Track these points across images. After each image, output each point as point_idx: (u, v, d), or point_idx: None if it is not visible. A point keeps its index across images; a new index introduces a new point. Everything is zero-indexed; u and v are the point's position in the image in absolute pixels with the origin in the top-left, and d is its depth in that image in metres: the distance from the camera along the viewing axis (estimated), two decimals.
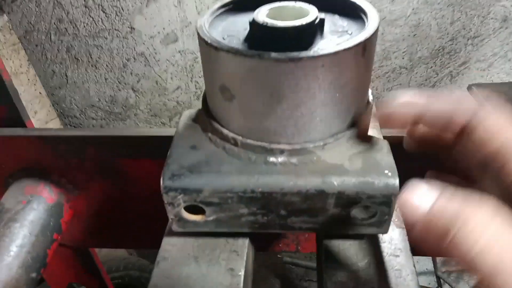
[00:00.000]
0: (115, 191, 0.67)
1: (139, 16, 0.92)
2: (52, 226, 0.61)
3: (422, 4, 0.94)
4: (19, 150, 0.60)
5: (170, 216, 0.31)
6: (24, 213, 0.56)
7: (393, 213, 0.31)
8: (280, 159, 0.30)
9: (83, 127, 1.10)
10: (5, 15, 0.90)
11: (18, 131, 0.60)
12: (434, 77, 1.05)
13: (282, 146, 0.29)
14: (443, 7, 0.95)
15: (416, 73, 1.04)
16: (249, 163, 0.30)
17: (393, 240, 0.34)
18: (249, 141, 0.30)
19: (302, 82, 0.27)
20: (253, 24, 0.30)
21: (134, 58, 0.98)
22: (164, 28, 0.95)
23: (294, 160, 0.30)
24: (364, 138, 0.32)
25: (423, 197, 0.23)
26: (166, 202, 0.30)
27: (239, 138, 0.30)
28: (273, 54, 0.26)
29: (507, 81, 1.06)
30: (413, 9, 0.95)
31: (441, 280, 1.41)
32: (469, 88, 0.63)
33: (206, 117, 0.33)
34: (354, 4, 0.32)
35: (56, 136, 0.61)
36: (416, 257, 0.35)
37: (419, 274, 0.70)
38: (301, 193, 0.29)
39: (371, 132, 0.38)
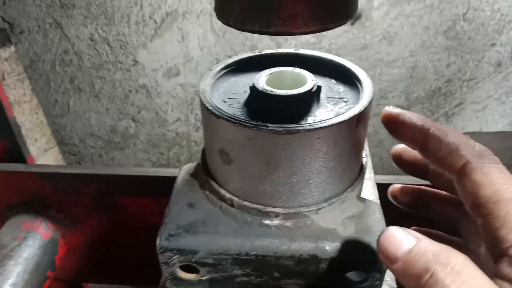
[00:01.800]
0: (112, 227, 0.67)
1: (143, 50, 0.94)
2: (46, 264, 0.61)
3: (419, 47, 0.96)
4: (19, 185, 0.61)
5: (165, 274, 0.31)
6: (19, 249, 0.56)
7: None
8: (275, 222, 0.30)
9: (82, 155, 1.11)
10: (12, 46, 0.91)
11: (18, 167, 0.60)
12: (430, 117, 1.07)
13: (277, 210, 0.30)
14: (439, 51, 0.97)
15: None
16: (245, 225, 0.31)
17: None
18: (245, 203, 0.31)
19: (298, 152, 0.28)
20: (253, 89, 0.31)
21: (136, 90, 1.00)
22: (167, 62, 0.96)
23: (288, 223, 0.30)
24: (357, 202, 0.33)
25: (404, 238, 0.24)
26: (161, 261, 0.30)
27: (236, 199, 0.31)
28: (271, 126, 0.27)
29: (501, 123, 1.08)
30: (410, 52, 0.98)
31: None
32: None
33: (205, 175, 0.34)
34: (350, 71, 0.34)
35: (56, 173, 0.61)
36: None
37: None
38: (295, 257, 0.29)
39: (365, 188, 0.39)
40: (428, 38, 0.94)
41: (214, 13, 0.26)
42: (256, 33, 0.24)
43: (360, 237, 0.30)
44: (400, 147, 0.37)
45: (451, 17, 0.91)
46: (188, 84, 0.99)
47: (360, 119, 0.29)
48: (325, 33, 0.93)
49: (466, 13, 0.90)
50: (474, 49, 0.96)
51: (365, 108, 0.29)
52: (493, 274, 0.23)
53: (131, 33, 0.91)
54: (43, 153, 1.01)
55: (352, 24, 0.92)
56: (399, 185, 0.39)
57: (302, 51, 0.37)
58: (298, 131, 0.27)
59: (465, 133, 0.68)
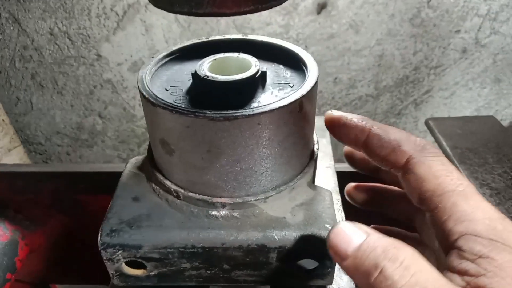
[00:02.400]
0: (74, 226, 0.65)
1: (106, 44, 0.91)
2: (5, 266, 0.59)
3: (385, 36, 0.96)
4: None
5: (110, 271, 0.30)
6: None
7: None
8: (222, 212, 0.30)
9: (48, 154, 1.08)
10: None
11: None
12: (399, 105, 1.08)
13: (223, 200, 0.29)
14: (406, 39, 0.98)
15: (382, 101, 1.06)
16: (191, 217, 0.30)
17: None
18: (191, 194, 0.30)
19: (239, 139, 0.27)
20: (195, 76, 0.30)
21: (101, 85, 0.97)
22: (131, 56, 0.94)
23: (236, 213, 0.30)
24: (307, 189, 0.32)
25: (353, 234, 0.23)
26: (105, 258, 0.29)
27: (181, 191, 0.30)
28: (208, 113, 0.26)
29: (468, 109, 1.09)
30: (376, 40, 0.98)
31: None
32: (426, 122, 0.65)
33: (150, 167, 0.32)
34: (297, 55, 0.33)
35: (12, 172, 0.59)
36: None
37: None
38: (242, 247, 0.29)
39: (324, 176, 0.38)
40: (394, 26, 0.95)
41: None
42: (186, 15, 0.23)
43: (309, 225, 0.29)
44: None
45: (415, 4, 0.92)
46: None
47: (303, 103, 0.28)
48: (291, 23, 0.92)
49: (430, 0, 0.91)
50: (439, 36, 0.97)
51: (308, 92, 0.28)
52: (445, 267, 0.23)
53: (92, 26, 0.88)
54: (7, 153, 0.98)
55: (319, 13, 0.92)
56: (354, 184, 0.38)
57: (251, 36, 0.36)
58: (236, 117, 0.26)
59: (429, 119, 0.68)
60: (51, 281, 0.77)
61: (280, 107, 0.26)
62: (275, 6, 0.24)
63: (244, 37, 0.36)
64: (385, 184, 0.38)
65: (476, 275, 0.21)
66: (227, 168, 0.28)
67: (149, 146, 0.34)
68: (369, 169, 0.36)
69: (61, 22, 0.87)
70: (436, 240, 0.30)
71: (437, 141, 0.58)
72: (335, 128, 0.30)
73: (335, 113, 0.30)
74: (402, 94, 1.05)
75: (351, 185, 0.39)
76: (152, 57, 0.33)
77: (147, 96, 0.28)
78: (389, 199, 0.37)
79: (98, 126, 1.03)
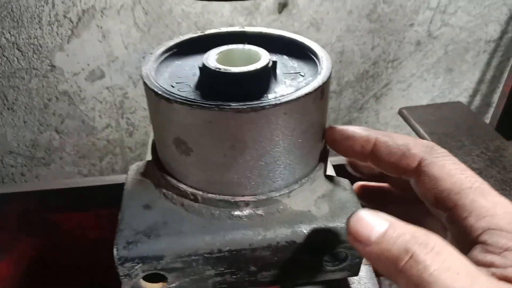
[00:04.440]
0: (45, 248, 0.60)
1: (60, 53, 0.86)
2: None
3: (344, 32, 0.99)
4: None
5: None
6: None
7: None
8: (246, 212, 0.28)
9: (1, 175, 0.99)
10: None
11: None
12: (361, 100, 1.11)
13: (246, 198, 0.28)
14: (364, 34, 1.01)
15: (345, 96, 1.08)
16: (212, 220, 0.28)
17: (361, 280, 0.34)
18: (210, 195, 0.28)
19: (265, 131, 0.25)
20: (204, 69, 0.28)
21: (57, 98, 0.91)
22: (88, 64, 0.89)
23: (260, 211, 0.28)
24: (325, 180, 0.31)
25: (375, 221, 0.23)
26: (121, 274, 0.26)
27: (199, 193, 0.28)
28: (234, 105, 0.24)
29: (425, 99, 1.14)
30: (337, 37, 1.00)
31: None
32: (400, 112, 0.67)
33: (158, 171, 0.30)
34: (302, 44, 0.32)
35: None
36: None
37: None
38: (271, 246, 0.27)
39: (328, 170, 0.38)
40: (353, 22, 0.97)
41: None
42: (209, 0, 0.21)
43: (336, 216, 0.28)
44: None
45: (371, 0, 0.95)
46: (115, 87, 0.93)
47: (323, 90, 0.27)
48: (254, 23, 0.92)
49: None
50: (395, 30, 1.00)
51: (328, 79, 0.27)
52: None
53: (44, 35, 0.82)
54: None
55: (280, 12, 0.92)
56: (360, 183, 0.38)
57: (248, 28, 0.34)
58: (263, 107, 0.24)
59: (403, 109, 0.70)
60: None
61: (305, 94, 0.25)
62: None
63: (242, 29, 0.34)
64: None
65: (503, 266, 0.22)
66: (251, 163, 0.26)
67: (153, 150, 0.31)
68: (374, 176, 0.36)
69: (9, 32, 0.81)
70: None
71: (413, 128, 0.60)
72: (338, 142, 0.30)
73: (337, 127, 0.30)
74: (363, 88, 1.08)
75: (357, 184, 0.38)
76: (150, 53, 0.30)
77: (160, 92, 0.25)
78: (396, 201, 0.37)
79: (55, 142, 0.97)
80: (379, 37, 1.01)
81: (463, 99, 1.17)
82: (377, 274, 0.35)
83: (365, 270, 0.35)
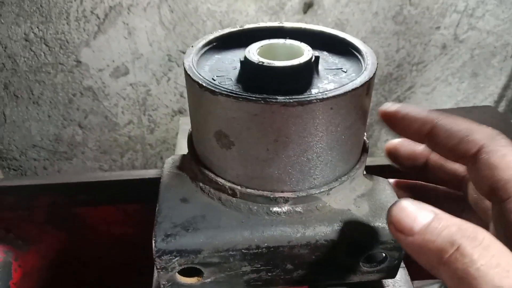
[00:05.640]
0: (70, 242, 0.60)
1: (86, 49, 0.86)
2: None
3: (370, 34, 0.97)
4: None
5: (162, 281, 0.27)
6: None
7: None
8: (285, 208, 0.27)
9: (24, 169, 1.00)
10: None
11: None
12: (384, 102, 1.09)
13: (286, 195, 0.27)
14: (389, 36, 0.99)
15: None
16: (250, 215, 0.27)
17: (396, 282, 0.33)
18: (249, 190, 0.27)
19: (310, 126, 0.25)
20: (246, 63, 0.28)
21: (81, 93, 0.92)
22: (113, 61, 0.90)
23: (299, 208, 0.27)
24: (364, 179, 0.30)
25: (419, 211, 0.22)
26: (158, 267, 0.26)
27: (238, 188, 0.27)
28: (280, 98, 0.24)
29: (448, 103, 1.12)
30: (361, 38, 0.98)
31: None
32: None
33: (196, 165, 0.30)
34: (344, 40, 0.31)
35: (1, 187, 0.54)
36: None
37: None
38: (310, 244, 0.27)
39: None
40: (378, 24, 0.96)
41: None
42: None
43: (377, 216, 0.27)
44: (396, 141, 0.35)
45: (398, 1, 0.93)
46: (138, 84, 0.93)
47: (369, 86, 0.27)
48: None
49: None
50: (421, 33, 0.99)
51: (374, 74, 0.27)
52: None
53: (71, 30, 0.83)
54: None
55: (305, 12, 0.92)
56: (394, 180, 0.37)
57: (287, 24, 0.34)
58: (310, 101, 0.24)
59: (431, 110, 0.68)
60: None
61: (352, 90, 0.25)
62: None
63: (280, 24, 0.34)
64: (427, 182, 0.36)
65: None
66: (293, 159, 0.26)
67: (190, 143, 0.31)
68: (414, 167, 0.35)
69: (37, 27, 0.82)
70: None
71: None
72: (393, 122, 0.29)
73: (392, 106, 0.29)
74: (386, 91, 1.07)
75: (391, 181, 0.37)
76: (192, 46, 0.30)
77: (204, 84, 0.25)
78: (432, 198, 0.36)
79: (78, 137, 0.98)
80: (404, 39, 1.00)
81: (488, 104, 1.14)
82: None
83: (400, 272, 0.34)
